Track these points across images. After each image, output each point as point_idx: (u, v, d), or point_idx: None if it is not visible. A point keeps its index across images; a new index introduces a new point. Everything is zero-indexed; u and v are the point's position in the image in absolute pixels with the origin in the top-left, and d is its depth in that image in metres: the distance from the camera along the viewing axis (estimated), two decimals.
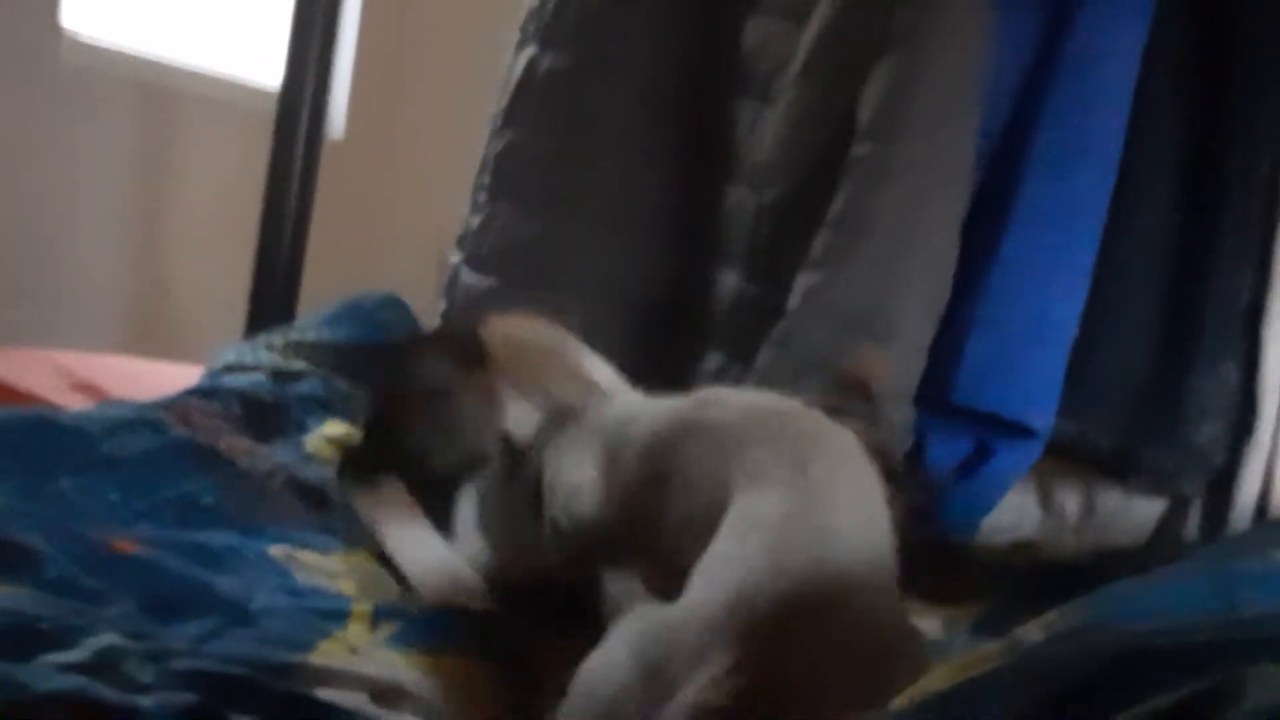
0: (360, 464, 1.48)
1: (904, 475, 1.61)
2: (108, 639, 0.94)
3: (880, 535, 1.07)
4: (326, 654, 1.07)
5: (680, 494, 1.14)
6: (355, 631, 1.14)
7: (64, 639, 0.93)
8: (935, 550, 1.70)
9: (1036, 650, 0.69)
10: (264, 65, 3.01)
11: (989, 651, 0.77)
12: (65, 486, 1.25)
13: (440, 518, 1.36)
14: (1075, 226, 1.74)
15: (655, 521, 1.15)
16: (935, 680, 0.76)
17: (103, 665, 0.89)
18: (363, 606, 1.17)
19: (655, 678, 0.94)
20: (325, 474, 1.56)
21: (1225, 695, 0.51)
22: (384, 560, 1.32)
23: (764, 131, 1.91)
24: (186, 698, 0.78)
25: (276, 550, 1.28)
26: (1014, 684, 0.61)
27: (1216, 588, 0.69)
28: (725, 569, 1.00)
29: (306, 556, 1.29)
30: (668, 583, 1.04)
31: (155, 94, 3.02)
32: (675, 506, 1.14)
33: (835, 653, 0.94)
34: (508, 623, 1.17)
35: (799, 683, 0.90)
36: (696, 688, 0.90)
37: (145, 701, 0.76)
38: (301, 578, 1.24)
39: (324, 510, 1.46)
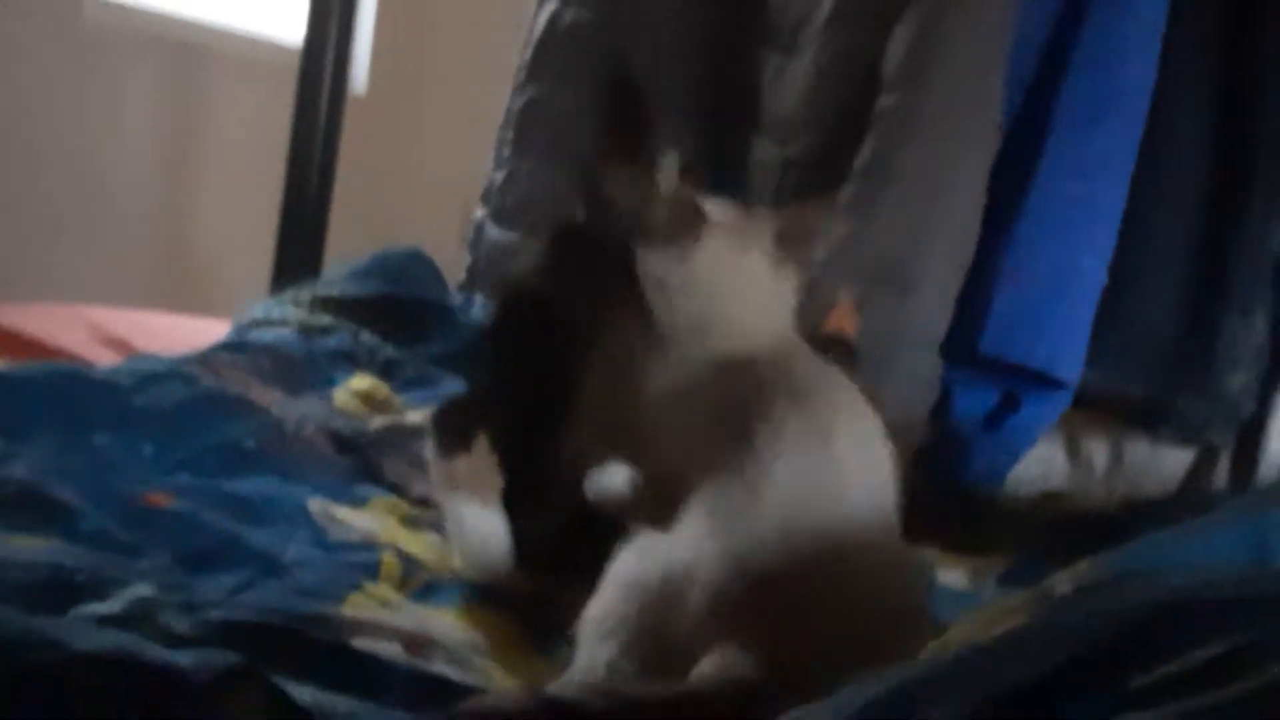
0: (454, 422, 1.37)
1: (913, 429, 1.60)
2: (142, 590, 0.95)
3: (887, 500, 1.06)
4: (357, 606, 1.08)
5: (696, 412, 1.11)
6: (385, 585, 1.15)
7: (99, 590, 0.95)
8: (961, 501, 1.71)
9: (1067, 605, 0.68)
10: (287, 21, 3.00)
11: (1017, 603, 0.77)
12: (100, 441, 1.26)
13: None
14: (1103, 177, 1.73)
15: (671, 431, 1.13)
16: (961, 632, 0.76)
17: (138, 616, 0.91)
18: (393, 561, 1.18)
19: (657, 641, 0.94)
20: (357, 425, 1.57)
21: (1266, 649, 0.51)
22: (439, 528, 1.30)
23: (789, 84, 1.90)
24: (226, 655, 0.79)
25: (313, 503, 1.29)
26: (1048, 639, 0.61)
27: (1249, 539, 0.69)
28: (731, 523, 0.98)
29: (340, 511, 1.30)
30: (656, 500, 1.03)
31: (179, 51, 3.02)
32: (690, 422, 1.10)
33: (838, 627, 0.93)
34: (534, 579, 1.16)
35: (803, 659, 0.89)
36: (707, 668, 0.90)
37: (185, 660, 0.76)
38: (334, 531, 1.25)
39: (357, 461, 1.48)
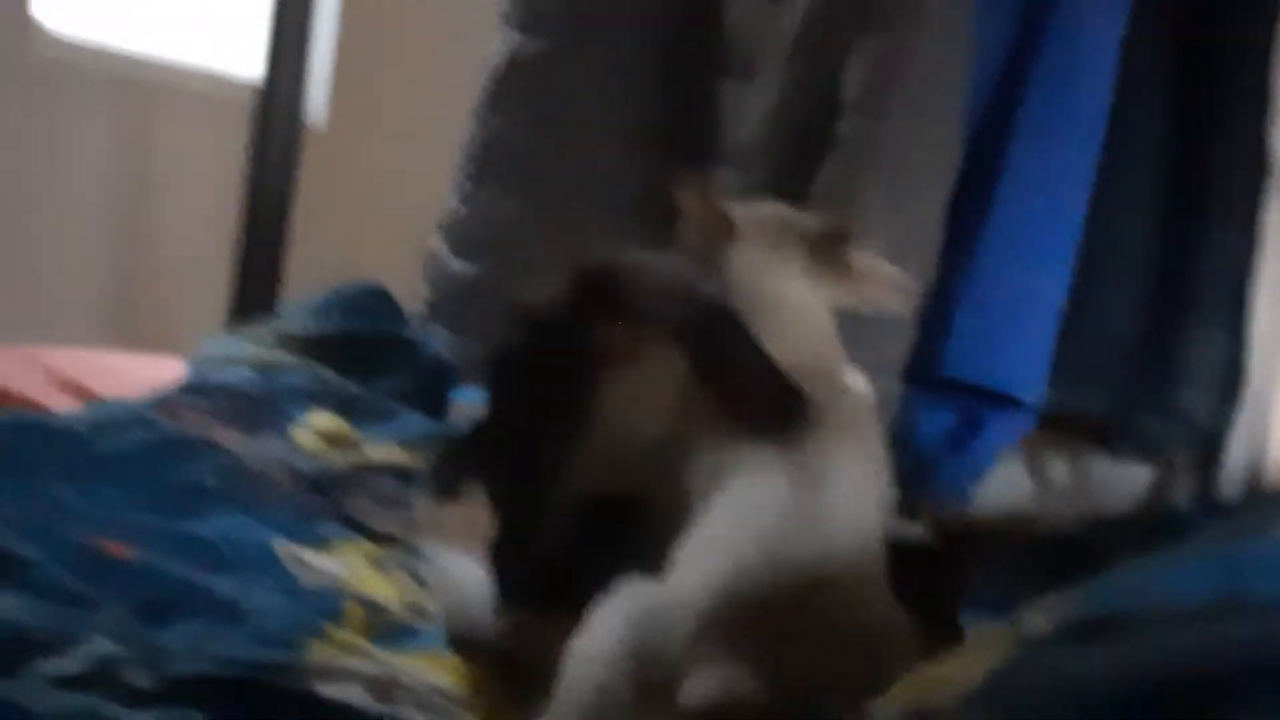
0: (449, 468, 1.37)
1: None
2: (102, 646, 0.93)
3: (872, 522, 1.06)
4: (321, 652, 1.07)
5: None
6: (350, 629, 1.13)
7: (57, 647, 0.93)
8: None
9: (1052, 659, 0.67)
10: (240, 57, 2.98)
11: (993, 638, 0.76)
12: (58, 491, 1.24)
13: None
14: (1061, 197, 1.74)
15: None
16: (944, 669, 0.75)
17: (98, 673, 0.89)
18: (357, 604, 1.17)
19: (646, 665, 0.93)
20: (319, 463, 1.55)
21: None
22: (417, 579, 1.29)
23: (748, 111, 1.91)
24: (190, 714, 0.77)
25: (279, 545, 1.28)
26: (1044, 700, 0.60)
27: (1221, 571, 0.69)
28: (717, 554, 0.99)
29: (306, 554, 1.29)
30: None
31: (131, 88, 2.99)
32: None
33: (826, 646, 0.93)
34: (513, 632, 1.15)
35: (793, 677, 0.90)
36: (696, 684, 0.89)
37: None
38: (298, 573, 1.23)
39: (321, 500, 1.46)
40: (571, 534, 1.15)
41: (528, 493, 1.18)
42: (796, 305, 1.20)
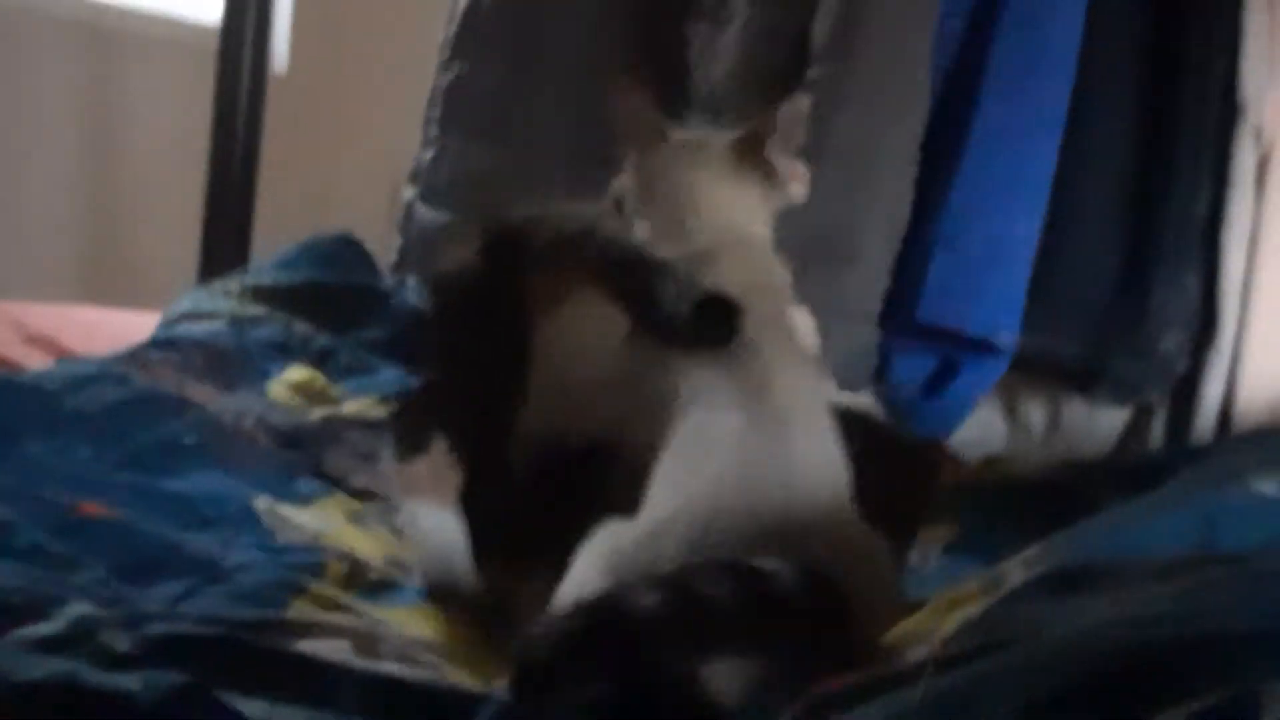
0: (411, 423, 1.34)
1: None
2: (81, 608, 0.92)
3: (837, 466, 1.06)
4: (302, 609, 1.07)
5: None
6: (330, 584, 1.13)
7: (37, 610, 0.92)
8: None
9: (1031, 646, 0.68)
10: (204, 3, 2.94)
11: (970, 589, 0.77)
12: (32, 450, 1.23)
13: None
14: (1033, 142, 1.74)
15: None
16: (920, 621, 0.76)
17: (78, 636, 0.88)
18: (338, 560, 1.17)
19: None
20: (295, 418, 1.55)
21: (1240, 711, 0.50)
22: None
23: (719, 55, 1.89)
24: (171, 676, 0.77)
25: (260, 501, 1.27)
26: (1014, 682, 0.60)
27: (1195, 523, 0.69)
28: (692, 481, 0.99)
29: (286, 509, 1.28)
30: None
31: (94, 34, 2.95)
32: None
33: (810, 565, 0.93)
34: (493, 581, 1.15)
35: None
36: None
37: (133, 684, 0.75)
38: (278, 530, 1.23)
39: (299, 455, 1.46)
40: (539, 482, 1.15)
41: (487, 444, 1.19)
42: (735, 224, 1.22)
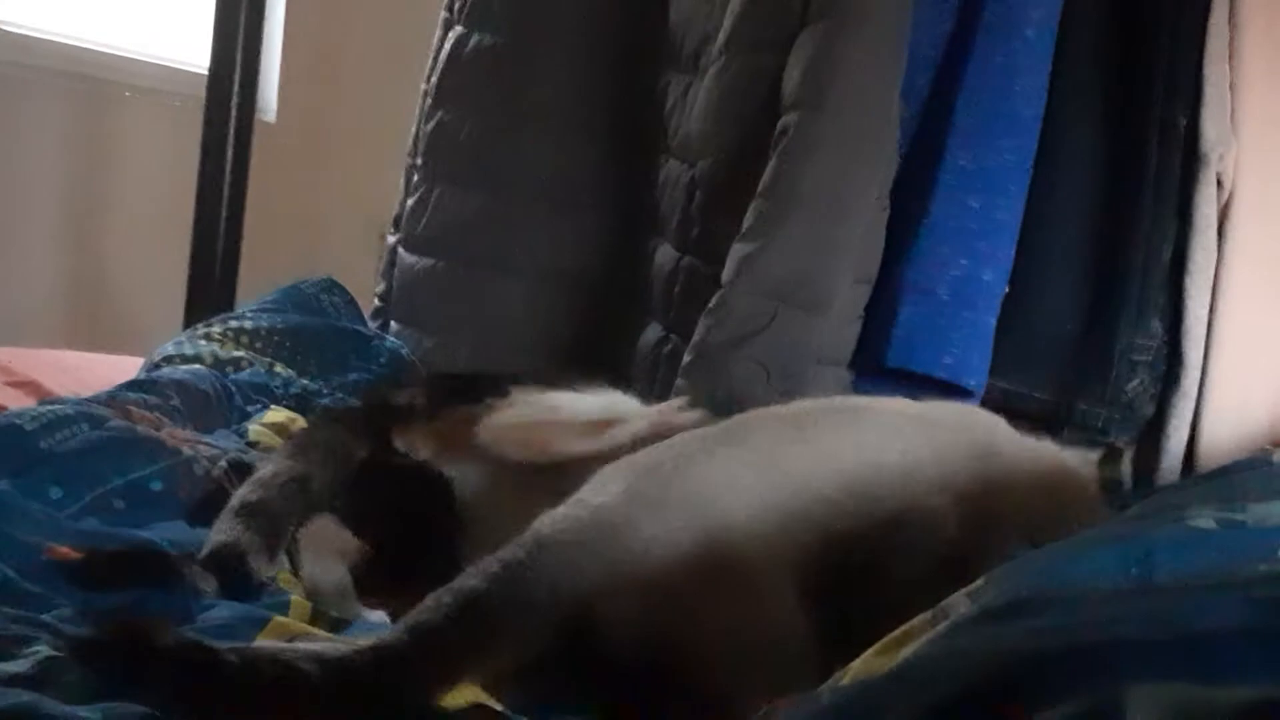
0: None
1: None
2: (48, 649, 0.94)
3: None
4: (267, 639, 1.08)
5: None
6: (295, 620, 1.15)
7: (4, 650, 0.94)
8: None
9: (934, 650, 0.70)
10: (193, 48, 2.98)
11: (920, 623, 0.78)
12: (2, 488, 1.24)
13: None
14: (1000, 190, 1.76)
15: None
16: (868, 662, 0.78)
17: (45, 676, 0.90)
18: (302, 600, 1.18)
19: None
20: None
21: (1103, 715, 0.53)
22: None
23: (693, 104, 1.92)
24: (133, 708, 0.79)
25: None
26: (907, 691, 0.63)
27: (1135, 555, 0.72)
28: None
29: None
30: None
31: (83, 82, 2.98)
32: None
33: None
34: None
35: None
36: None
37: (92, 716, 0.76)
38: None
39: None
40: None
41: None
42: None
